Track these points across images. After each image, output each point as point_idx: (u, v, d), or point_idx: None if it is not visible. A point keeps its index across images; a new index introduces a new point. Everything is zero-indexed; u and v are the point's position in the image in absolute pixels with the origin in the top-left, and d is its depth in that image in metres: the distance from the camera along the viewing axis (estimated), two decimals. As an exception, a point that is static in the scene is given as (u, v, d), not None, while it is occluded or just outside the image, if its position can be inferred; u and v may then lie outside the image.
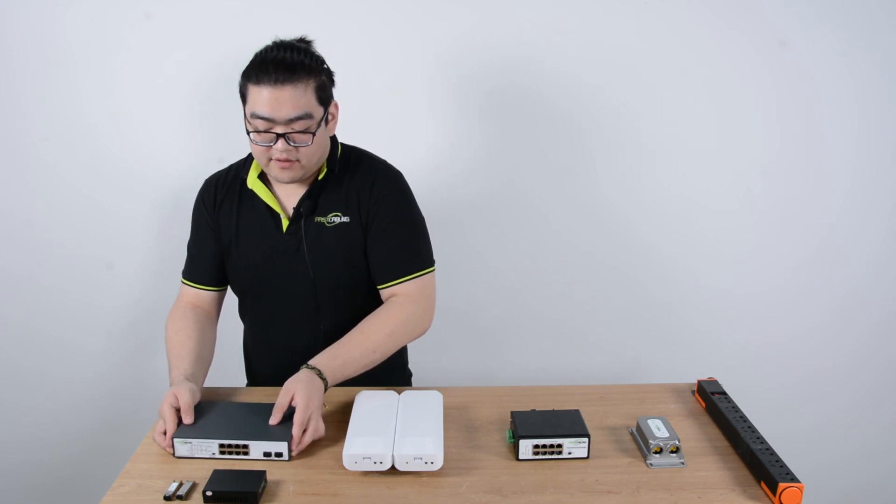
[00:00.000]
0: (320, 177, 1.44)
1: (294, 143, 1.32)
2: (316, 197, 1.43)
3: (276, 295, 1.47)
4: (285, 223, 1.44)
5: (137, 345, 1.99)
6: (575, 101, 1.87)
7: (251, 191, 1.45)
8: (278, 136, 1.31)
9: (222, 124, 1.83)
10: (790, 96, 1.87)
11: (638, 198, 1.95)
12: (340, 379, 1.34)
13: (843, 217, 1.98)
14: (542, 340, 2.07)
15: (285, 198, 1.46)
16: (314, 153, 1.36)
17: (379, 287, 1.46)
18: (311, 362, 1.32)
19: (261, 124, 1.31)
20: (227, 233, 1.48)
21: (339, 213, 1.43)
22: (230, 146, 1.83)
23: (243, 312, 1.57)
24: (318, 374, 1.30)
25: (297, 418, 1.22)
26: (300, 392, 1.24)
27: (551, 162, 1.91)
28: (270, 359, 1.55)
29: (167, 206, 1.88)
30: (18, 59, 1.76)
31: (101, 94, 1.79)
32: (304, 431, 1.22)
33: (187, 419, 1.25)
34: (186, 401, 1.26)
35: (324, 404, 1.30)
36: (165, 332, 1.46)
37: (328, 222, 1.43)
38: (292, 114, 1.30)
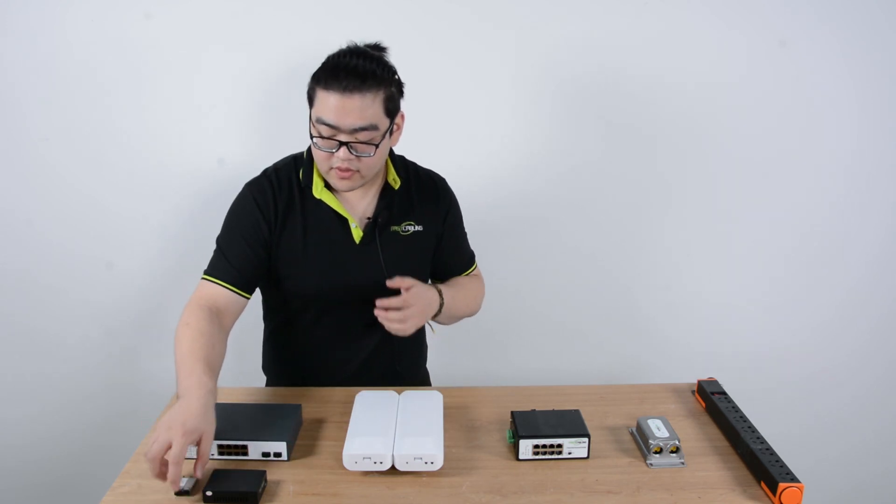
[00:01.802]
0: (396, 186, 1.45)
1: (356, 152, 1.31)
2: (391, 206, 1.45)
3: (348, 303, 1.46)
4: (356, 232, 1.43)
5: (138, 345, 1.99)
6: (573, 101, 1.87)
7: (317, 200, 1.42)
8: (341, 143, 1.30)
9: (222, 124, 1.83)
10: (790, 96, 1.87)
11: (637, 199, 1.95)
12: (448, 309, 1.46)
13: (842, 217, 1.98)
14: (542, 341, 2.07)
15: (352, 205, 1.45)
16: (375, 165, 1.35)
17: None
18: (435, 284, 1.47)
19: (325, 130, 1.29)
20: (291, 244, 1.43)
21: (413, 223, 1.47)
22: (230, 146, 1.84)
23: (294, 322, 1.51)
24: (438, 292, 1.44)
25: (405, 295, 1.34)
26: (420, 286, 1.38)
27: (551, 163, 1.91)
28: (334, 364, 1.52)
29: (168, 206, 1.88)
30: (18, 59, 1.76)
31: (101, 95, 1.79)
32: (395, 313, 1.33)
33: (199, 472, 1.12)
34: (206, 449, 1.12)
35: (431, 325, 1.47)
36: (180, 328, 1.29)
37: (403, 231, 1.46)
38: (357, 124, 1.28)
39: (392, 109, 1.34)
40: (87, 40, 1.75)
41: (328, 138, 1.30)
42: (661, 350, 2.07)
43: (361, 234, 1.43)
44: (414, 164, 1.54)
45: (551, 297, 2.02)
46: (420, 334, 1.63)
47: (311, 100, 1.33)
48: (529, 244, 1.98)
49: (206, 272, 1.39)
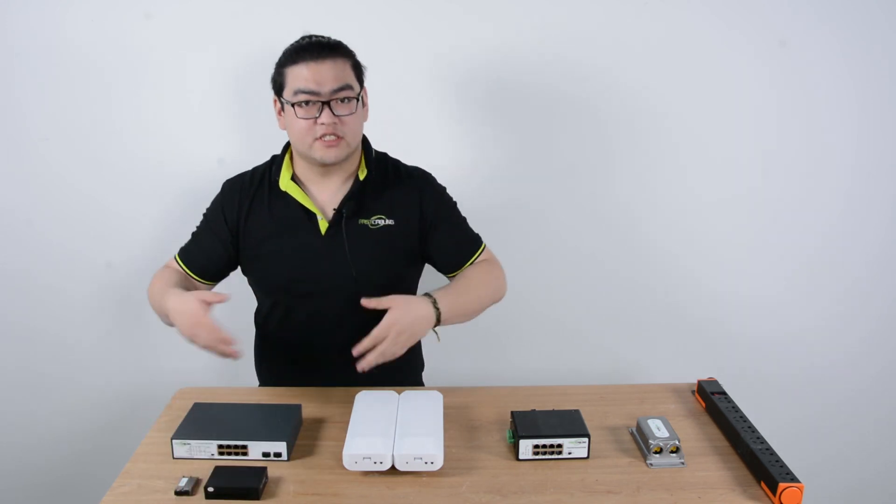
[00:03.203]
0: (361, 177, 1.45)
1: (338, 112, 1.36)
2: (360, 199, 1.45)
3: (315, 295, 1.47)
4: (323, 224, 1.44)
5: (137, 345, 1.99)
6: (574, 101, 1.86)
7: (283, 192, 1.44)
8: (324, 104, 1.34)
9: (221, 124, 1.83)
10: (790, 96, 1.87)
11: (637, 198, 1.95)
12: (451, 315, 1.38)
13: (842, 217, 1.98)
14: (542, 341, 2.07)
15: (319, 198, 1.46)
16: (357, 129, 1.41)
17: (453, 274, 1.54)
18: (430, 292, 1.39)
19: (304, 97, 1.35)
20: (256, 237, 1.46)
21: (384, 217, 1.46)
22: (229, 146, 1.84)
23: (269, 316, 1.55)
24: (432, 302, 1.35)
25: (376, 329, 1.28)
26: (394, 308, 1.30)
27: (551, 163, 1.91)
28: (312, 358, 1.53)
29: (167, 206, 1.88)
30: (18, 59, 1.76)
31: (101, 94, 1.79)
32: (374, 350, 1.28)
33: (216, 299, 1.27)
34: (207, 295, 1.27)
35: (437, 333, 1.40)
36: (151, 287, 1.49)
37: (372, 224, 1.46)
38: (335, 85, 1.35)
39: (360, 79, 1.42)
40: (87, 40, 1.75)
41: (308, 103, 1.35)
42: (661, 350, 2.07)
43: (327, 225, 1.44)
44: (396, 160, 1.54)
45: (551, 297, 2.02)
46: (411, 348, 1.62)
47: (279, 86, 1.39)
48: (529, 244, 1.97)
49: (178, 253, 1.54)
